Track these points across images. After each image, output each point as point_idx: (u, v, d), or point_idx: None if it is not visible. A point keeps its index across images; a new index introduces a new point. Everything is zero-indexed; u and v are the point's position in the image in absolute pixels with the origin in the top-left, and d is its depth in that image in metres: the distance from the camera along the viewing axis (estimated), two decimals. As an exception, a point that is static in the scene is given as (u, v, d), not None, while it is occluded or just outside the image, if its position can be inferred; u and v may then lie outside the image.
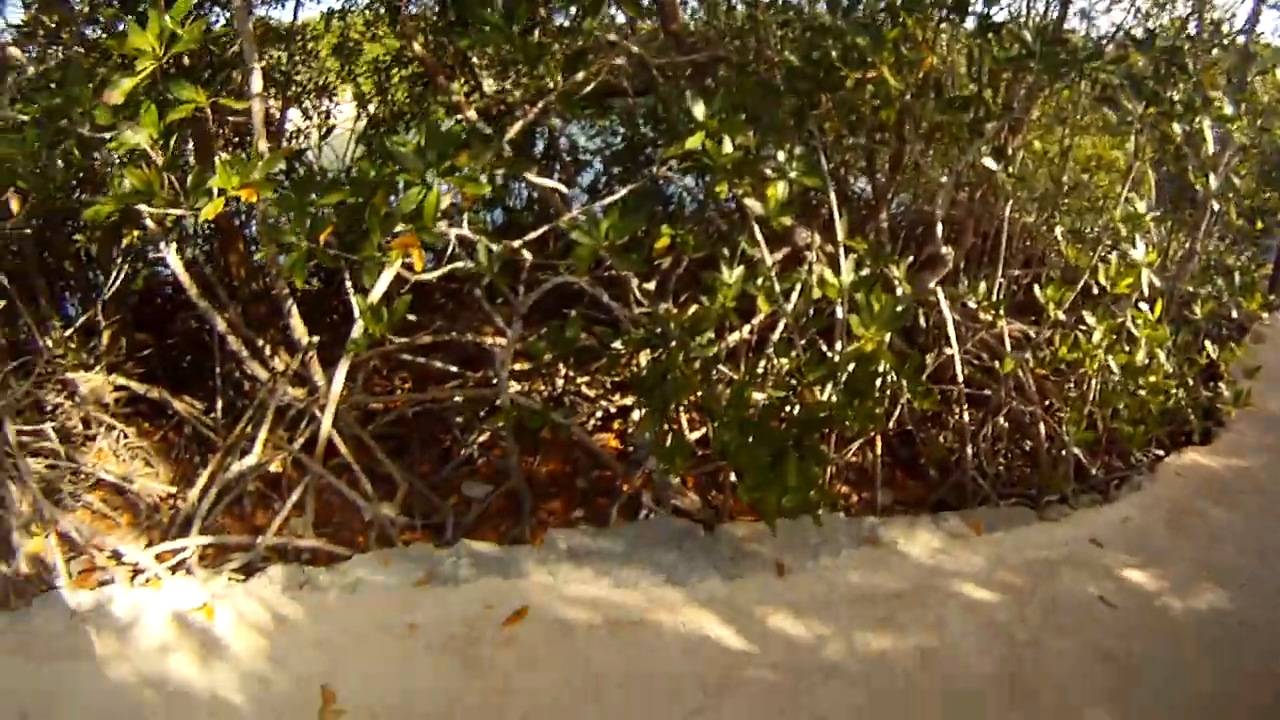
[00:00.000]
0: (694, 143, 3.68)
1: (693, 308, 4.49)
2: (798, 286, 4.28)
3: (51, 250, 5.25)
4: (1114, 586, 4.27)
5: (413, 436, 5.12)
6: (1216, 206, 5.71)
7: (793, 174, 3.93)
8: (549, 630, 3.69)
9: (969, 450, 4.76)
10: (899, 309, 3.82)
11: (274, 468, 4.54)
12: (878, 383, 3.89)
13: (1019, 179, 5.23)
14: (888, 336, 3.93)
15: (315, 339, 4.32)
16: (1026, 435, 5.11)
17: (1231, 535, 4.88)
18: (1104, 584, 4.27)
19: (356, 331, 3.93)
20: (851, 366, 3.86)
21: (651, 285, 4.64)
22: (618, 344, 4.27)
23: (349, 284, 4.19)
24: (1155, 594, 4.34)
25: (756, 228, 4.19)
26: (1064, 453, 4.87)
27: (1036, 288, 4.90)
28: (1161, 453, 5.13)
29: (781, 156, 3.94)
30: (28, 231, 4.75)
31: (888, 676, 3.63)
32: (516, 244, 4.07)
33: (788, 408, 3.89)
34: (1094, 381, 4.86)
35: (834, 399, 3.85)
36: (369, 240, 3.56)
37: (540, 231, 4.13)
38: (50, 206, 4.86)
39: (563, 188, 4.67)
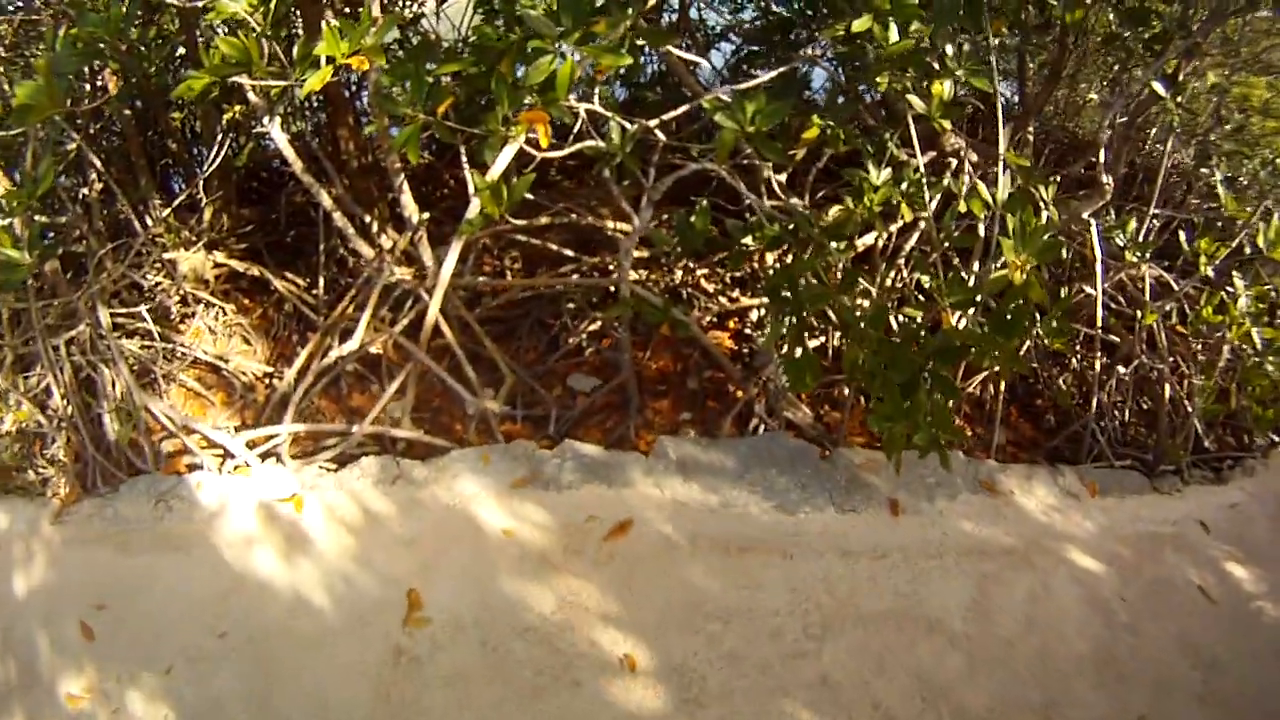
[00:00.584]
0: (862, 25, 3.27)
1: (833, 209, 4.16)
2: (941, 197, 3.92)
3: (155, 129, 4.90)
4: (1214, 579, 4.05)
5: (521, 320, 4.76)
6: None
7: (960, 72, 3.53)
8: (652, 549, 3.48)
9: (1094, 401, 4.43)
10: (1055, 237, 3.47)
11: (375, 349, 4.31)
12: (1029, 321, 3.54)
13: (1188, 111, 4.71)
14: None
15: (426, 216, 4.03)
16: (1149, 395, 4.76)
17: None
18: (1205, 574, 4.05)
19: (472, 211, 3.58)
20: (999, 297, 3.53)
21: (783, 178, 4.30)
22: (748, 239, 3.93)
23: (465, 159, 3.87)
24: (1253, 595, 4.09)
25: (912, 126, 3.81)
26: (1187, 421, 4.52)
27: (1182, 236, 4.52)
28: (1279, 439, 4.75)
29: (950, 50, 3.52)
30: (128, 112, 4.44)
31: (988, 640, 3.47)
32: (652, 123, 3.74)
33: (923, 332, 3.56)
34: (1227, 351, 4.49)
35: (978, 329, 3.53)
36: (493, 113, 3.24)
37: (679, 111, 3.77)
38: (148, 86, 4.53)
39: (704, 62, 4.20)
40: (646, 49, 4.62)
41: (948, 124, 3.64)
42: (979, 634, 3.46)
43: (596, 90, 3.54)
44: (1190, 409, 4.48)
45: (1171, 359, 4.67)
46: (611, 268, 4.65)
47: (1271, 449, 4.89)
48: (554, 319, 4.73)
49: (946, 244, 3.89)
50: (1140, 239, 4.41)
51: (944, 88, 3.50)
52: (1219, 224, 4.93)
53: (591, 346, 4.67)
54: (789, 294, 3.46)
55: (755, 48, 5.12)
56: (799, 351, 3.46)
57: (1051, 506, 4.04)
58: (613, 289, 4.48)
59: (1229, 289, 4.31)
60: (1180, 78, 4.35)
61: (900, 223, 4.14)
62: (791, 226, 3.73)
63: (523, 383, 4.38)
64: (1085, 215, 4.18)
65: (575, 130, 3.52)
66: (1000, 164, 3.76)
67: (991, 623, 3.51)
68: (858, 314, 3.55)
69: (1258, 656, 3.75)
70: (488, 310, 4.59)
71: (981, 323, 3.64)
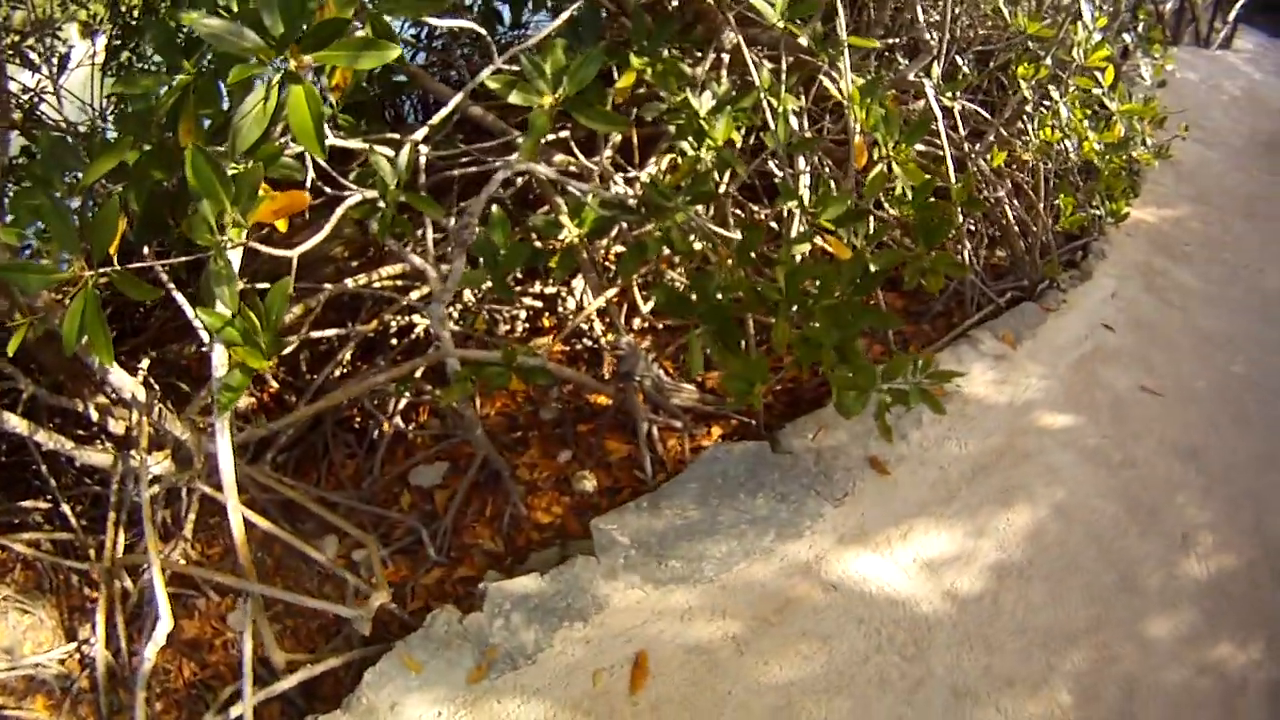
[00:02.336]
0: None
1: (665, 159, 3.27)
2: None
3: None
4: (1143, 372, 3.98)
5: (315, 434, 3.56)
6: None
7: None
8: (686, 668, 2.58)
9: (965, 253, 3.94)
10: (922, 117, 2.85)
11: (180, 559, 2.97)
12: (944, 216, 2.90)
13: None
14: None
15: (155, 391, 2.71)
16: (1000, 227, 4.37)
17: (1202, 296, 4.70)
18: (1138, 372, 3.97)
19: (221, 370, 2.28)
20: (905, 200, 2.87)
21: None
22: (568, 227, 2.96)
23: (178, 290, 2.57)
24: (1180, 373, 4.06)
25: (742, 43, 2.97)
26: (1047, 239, 4.18)
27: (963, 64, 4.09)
28: (1098, 211, 4.56)
29: None
30: None
31: (1045, 555, 3.02)
32: (420, 135, 2.66)
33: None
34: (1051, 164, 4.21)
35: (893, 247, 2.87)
36: (196, 225, 2.04)
37: (453, 106, 2.70)
38: None
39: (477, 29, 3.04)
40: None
41: (800, 32, 2.85)
42: (1039, 556, 3.02)
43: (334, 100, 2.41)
44: (1035, 227, 4.16)
45: (1008, 186, 4.28)
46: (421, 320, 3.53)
47: (1102, 228, 4.75)
48: (355, 412, 3.55)
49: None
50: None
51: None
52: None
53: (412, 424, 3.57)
54: (699, 302, 2.57)
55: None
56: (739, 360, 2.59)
57: (996, 380, 3.63)
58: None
59: (1047, 104, 3.99)
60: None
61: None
62: (633, 201, 2.81)
63: (366, 514, 3.23)
64: (912, 75, 3.57)
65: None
66: (846, 53, 3.04)
67: (1038, 535, 3.08)
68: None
69: (1219, 427, 3.75)
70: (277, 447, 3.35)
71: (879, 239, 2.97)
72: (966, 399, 3.46)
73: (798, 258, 2.91)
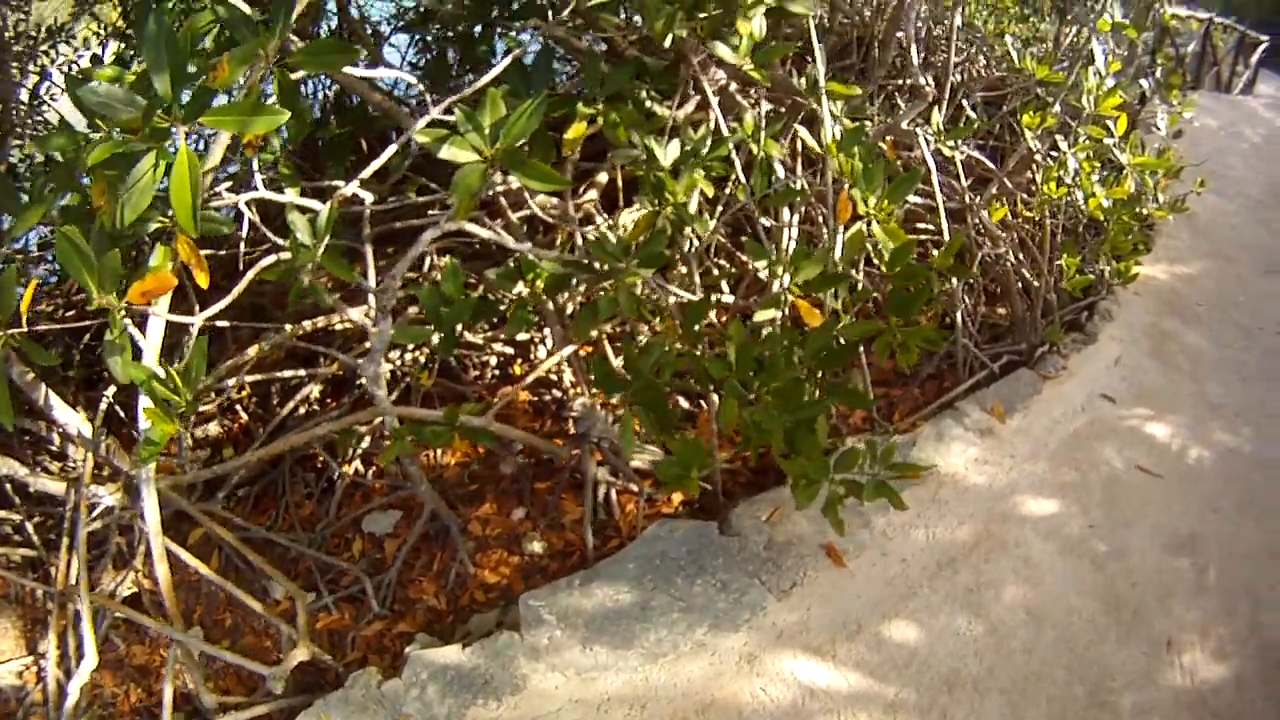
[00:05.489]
0: None
1: (625, 214, 2.95)
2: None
3: None
4: (1142, 450, 3.52)
5: (275, 472, 3.29)
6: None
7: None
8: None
9: (958, 316, 3.54)
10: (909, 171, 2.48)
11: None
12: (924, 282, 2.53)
13: None
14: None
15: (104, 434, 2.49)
16: (1001, 284, 3.96)
17: (1212, 362, 4.24)
18: (1136, 450, 3.51)
19: (145, 420, 2.07)
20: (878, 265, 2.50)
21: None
22: (521, 285, 2.66)
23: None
24: (1182, 450, 3.59)
25: (708, 88, 2.63)
26: (1050, 298, 3.77)
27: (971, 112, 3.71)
28: (1104, 270, 4.13)
29: None
30: None
31: (1008, 664, 2.59)
32: (351, 189, 2.36)
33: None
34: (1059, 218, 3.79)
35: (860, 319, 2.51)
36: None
37: (383, 160, 2.41)
38: None
39: (401, 75, 2.72)
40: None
41: (759, 73, 2.50)
42: (1000, 664, 2.58)
43: (256, 164, 2.12)
44: (1038, 285, 3.74)
45: (1012, 240, 3.88)
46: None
47: (1110, 287, 4.32)
48: (317, 450, 3.28)
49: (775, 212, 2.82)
50: (949, 128, 3.51)
51: (753, 22, 2.32)
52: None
53: (370, 469, 3.30)
54: (632, 379, 2.25)
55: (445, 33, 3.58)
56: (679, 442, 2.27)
57: (978, 460, 3.20)
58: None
59: (1054, 155, 3.58)
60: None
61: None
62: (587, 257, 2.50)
63: (313, 560, 2.97)
64: (906, 124, 3.20)
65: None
66: (824, 100, 2.68)
67: (1003, 641, 2.64)
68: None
69: (1220, 511, 3.29)
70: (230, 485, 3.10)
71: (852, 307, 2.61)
72: (942, 480, 3.05)
73: (772, 320, 2.58)
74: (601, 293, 2.52)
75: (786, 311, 2.62)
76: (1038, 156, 3.85)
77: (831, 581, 2.63)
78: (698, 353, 2.40)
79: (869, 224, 2.56)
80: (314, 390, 3.39)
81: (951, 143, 3.41)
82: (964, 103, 4.09)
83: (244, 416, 3.53)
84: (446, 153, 2.15)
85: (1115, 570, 2.94)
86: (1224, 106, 10.98)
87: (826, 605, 2.56)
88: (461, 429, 2.54)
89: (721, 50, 2.37)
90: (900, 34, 3.55)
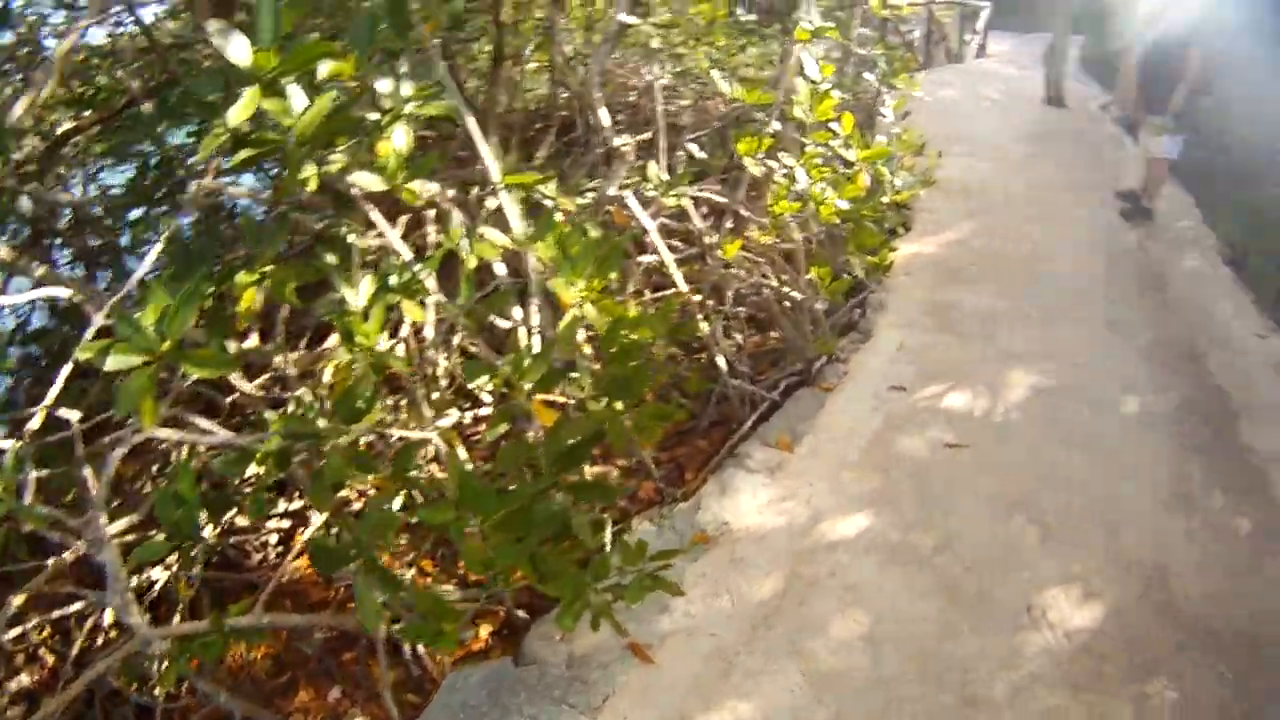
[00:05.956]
0: (245, 112, 1.78)
1: (324, 366, 2.75)
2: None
3: None
4: (944, 427, 3.51)
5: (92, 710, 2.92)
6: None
7: (412, 108, 2.25)
8: None
9: (721, 359, 3.45)
10: (611, 245, 2.36)
11: None
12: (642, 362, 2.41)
13: (667, 26, 3.82)
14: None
15: None
16: (765, 311, 3.92)
17: (1000, 316, 4.35)
18: (939, 429, 3.49)
19: None
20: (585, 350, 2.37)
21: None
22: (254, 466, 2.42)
23: None
24: (988, 410, 3.62)
25: (373, 211, 2.46)
26: (818, 309, 3.75)
27: (695, 149, 3.69)
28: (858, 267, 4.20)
29: (387, 87, 2.24)
30: None
31: (856, 700, 2.41)
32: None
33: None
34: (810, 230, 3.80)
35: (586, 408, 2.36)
36: None
37: (48, 402, 2.14)
38: None
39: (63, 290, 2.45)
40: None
41: (418, 188, 2.35)
42: (845, 701, 2.40)
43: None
44: (802, 300, 3.73)
45: (767, 264, 3.86)
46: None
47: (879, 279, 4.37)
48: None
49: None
50: (669, 176, 3.46)
51: (395, 141, 2.18)
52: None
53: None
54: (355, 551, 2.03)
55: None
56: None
57: (769, 503, 3.08)
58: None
59: (782, 170, 3.58)
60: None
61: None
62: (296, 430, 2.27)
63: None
64: (614, 189, 3.13)
65: None
66: (504, 193, 2.57)
67: (842, 675, 2.47)
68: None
69: (1044, 452, 3.34)
70: None
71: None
72: (736, 536, 2.91)
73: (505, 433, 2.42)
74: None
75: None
76: (776, 177, 3.85)
77: (644, 681, 2.43)
78: (418, 497, 2.21)
79: (582, 306, 2.44)
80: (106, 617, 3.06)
81: (675, 192, 3.36)
82: (692, 145, 4.08)
83: (51, 659, 3.18)
84: (113, 364, 1.90)
85: (947, 561, 2.86)
86: (960, 76, 11.67)
87: (644, 709, 2.35)
88: (235, 634, 2.28)
89: (364, 180, 2.21)
90: (598, 95, 3.50)
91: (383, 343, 2.42)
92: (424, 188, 2.47)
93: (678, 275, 3.21)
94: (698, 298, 3.50)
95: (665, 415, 2.36)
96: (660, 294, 3.60)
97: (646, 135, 4.01)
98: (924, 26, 12.60)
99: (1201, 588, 2.80)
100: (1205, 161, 7.77)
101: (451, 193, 2.84)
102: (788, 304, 3.80)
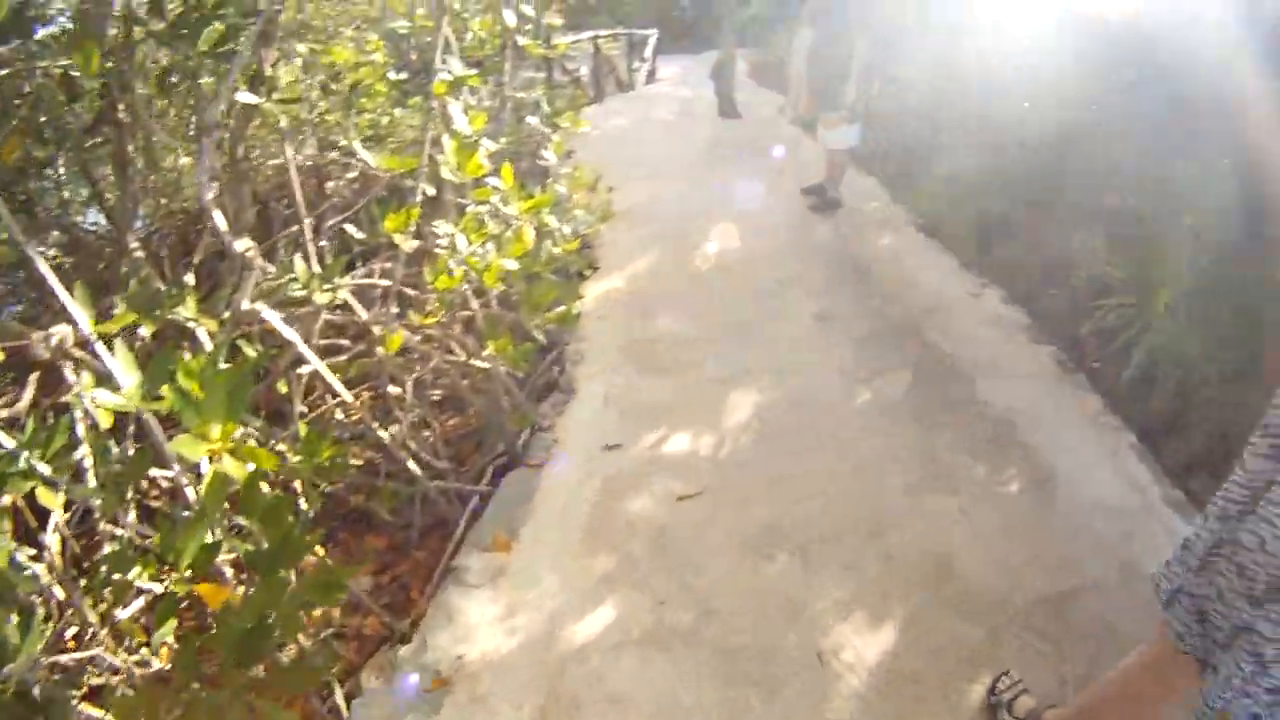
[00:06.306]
0: None
1: None
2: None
3: None
4: (672, 472, 3.24)
5: None
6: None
7: None
8: None
9: (411, 462, 2.99)
10: (236, 392, 1.87)
11: None
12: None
13: (293, 101, 3.28)
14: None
15: None
16: (455, 395, 3.50)
17: (705, 334, 4.21)
18: (668, 480, 3.19)
19: None
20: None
21: None
22: None
23: None
24: (710, 450, 3.38)
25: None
26: (506, 377, 3.40)
27: (353, 228, 3.26)
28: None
29: None
30: None
31: None
32: None
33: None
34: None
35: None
36: None
37: None
38: None
39: None
40: None
41: None
42: None
43: None
44: (489, 369, 3.35)
45: (441, 341, 3.45)
46: None
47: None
48: None
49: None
50: (316, 268, 2.98)
51: None
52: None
53: None
54: None
55: None
56: None
57: (499, 619, 2.64)
58: None
59: (441, 241, 3.20)
60: (269, 71, 2.98)
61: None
62: None
63: None
64: (248, 304, 2.59)
65: None
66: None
67: None
68: None
69: (781, 465, 3.12)
70: None
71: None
72: (474, 671, 2.44)
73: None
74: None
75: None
76: (437, 247, 3.46)
77: None
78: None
79: (221, 459, 1.92)
80: None
81: (328, 287, 2.88)
82: (350, 226, 3.60)
83: None
84: None
85: (712, 631, 2.53)
86: (632, 103, 11.96)
87: None
88: None
89: None
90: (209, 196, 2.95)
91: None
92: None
93: (338, 385, 2.73)
94: (388, 392, 3.05)
95: (332, 583, 1.88)
96: (318, 410, 3.09)
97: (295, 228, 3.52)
98: (591, 61, 12.79)
99: (991, 565, 2.71)
100: (887, 143, 8.30)
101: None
102: (479, 377, 3.41)
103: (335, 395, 2.88)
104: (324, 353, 3.24)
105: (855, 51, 5.78)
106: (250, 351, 2.54)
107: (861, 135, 6.39)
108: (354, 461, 3.11)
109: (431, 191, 3.51)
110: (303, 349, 2.70)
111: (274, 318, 2.70)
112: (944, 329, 4.37)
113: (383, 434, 2.84)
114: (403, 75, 5.01)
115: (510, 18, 3.94)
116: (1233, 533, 1.49)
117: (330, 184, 4.65)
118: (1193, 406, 3.51)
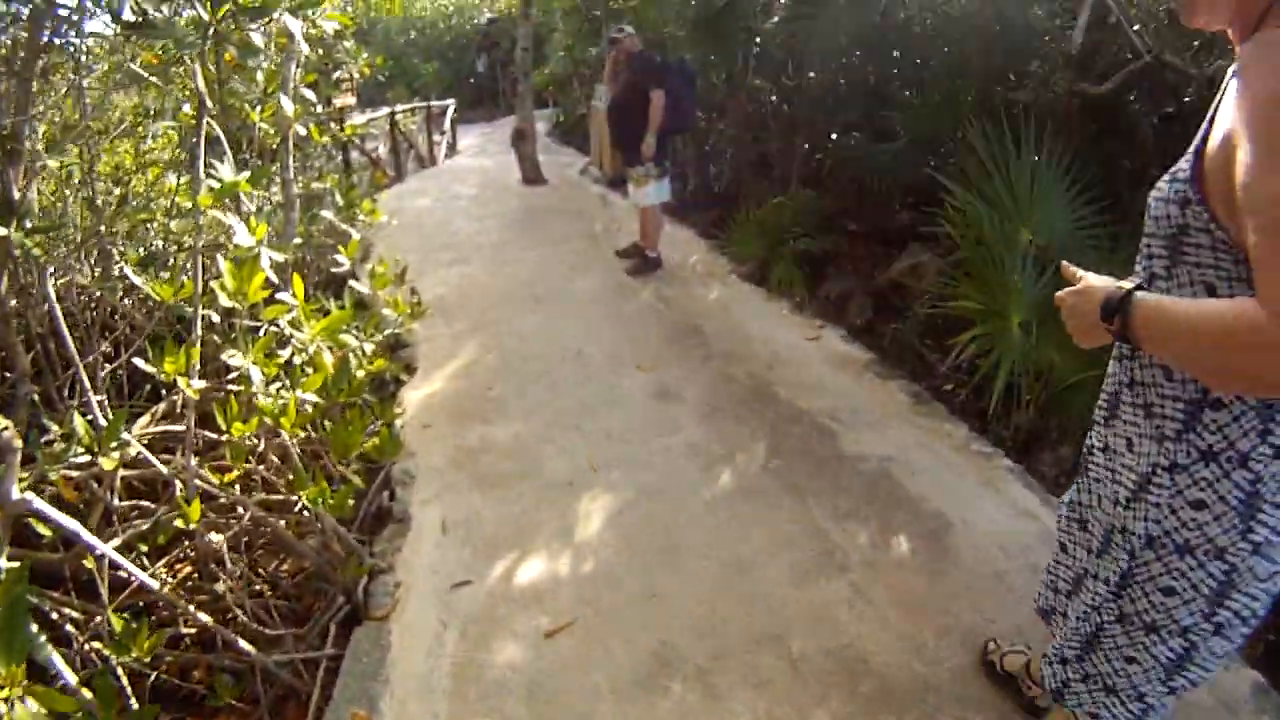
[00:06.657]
0: None
1: None
2: None
3: None
4: (535, 604, 2.88)
5: None
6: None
7: None
8: None
9: (242, 642, 2.49)
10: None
11: None
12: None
13: (51, 227, 2.74)
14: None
15: None
16: (283, 545, 3.01)
17: (538, 433, 3.94)
18: (531, 614, 2.84)
19: None
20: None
21: None
22: None
23: None
24: (570, 569, 3.07)
25: None
26: (334, 531, 2.96)
27: (141, 362, 2.75)
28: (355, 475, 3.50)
29: None
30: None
31: None
32: None
33: None
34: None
35: None
36: None
37: None
38: None
39: None
40: None
41: None
42: None
43: None
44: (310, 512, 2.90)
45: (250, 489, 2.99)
46: None
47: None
48: None
49: None
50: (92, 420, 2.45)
51: None
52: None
53: None
54: None
55: None
56: None
57: None
58: None
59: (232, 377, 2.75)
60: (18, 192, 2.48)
61: None
62: None
63: None
64: (18, 495, 2.05)
65: None
66: None
67: None
68: None
69: (644, 597, 2.63)
70: None
71: None
72: None
73: None
74: None
75: None
76: (231, 387, 2.97)
77: None
78: None
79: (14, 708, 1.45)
80: None
81: (114, 445, 2.36)
82: (136, 360, 3.07)
83: None
84: None
85: None
86: (433, 181, 11.52)
87: None
88: None
89: None
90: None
91: None
92: None
93: (139, 573, 2.21)
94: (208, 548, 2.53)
95: None
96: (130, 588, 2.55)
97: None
98: (387, 139, 12.25)
99: (900, 647, 2.54)
100: (700, 193, 8.27)
101: None
102: (302, 519, 2.95)
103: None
104: (126, 516, 2.71)
105: (652, 105, 5.69)
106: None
107: (671, 187, 6.31)
108: (186, 630, 2.64)
109: (216, 318, 3.04)
110: (87, 539, 2.17)
111: (48, 510, 2.17)
112: (792, 382, 4.26)
113: (203, 616, 2.35)
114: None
115: (288, 105, 3.50)
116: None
117: (122, 306, 4.05)
118: (1051, 414, 3.54)
